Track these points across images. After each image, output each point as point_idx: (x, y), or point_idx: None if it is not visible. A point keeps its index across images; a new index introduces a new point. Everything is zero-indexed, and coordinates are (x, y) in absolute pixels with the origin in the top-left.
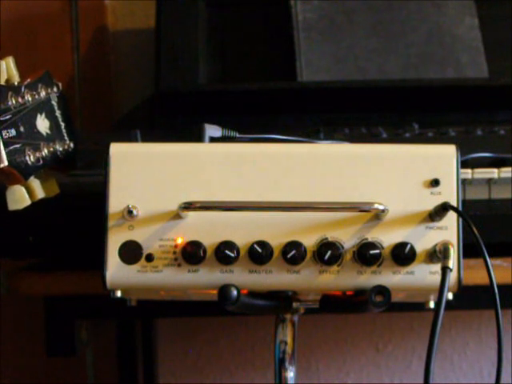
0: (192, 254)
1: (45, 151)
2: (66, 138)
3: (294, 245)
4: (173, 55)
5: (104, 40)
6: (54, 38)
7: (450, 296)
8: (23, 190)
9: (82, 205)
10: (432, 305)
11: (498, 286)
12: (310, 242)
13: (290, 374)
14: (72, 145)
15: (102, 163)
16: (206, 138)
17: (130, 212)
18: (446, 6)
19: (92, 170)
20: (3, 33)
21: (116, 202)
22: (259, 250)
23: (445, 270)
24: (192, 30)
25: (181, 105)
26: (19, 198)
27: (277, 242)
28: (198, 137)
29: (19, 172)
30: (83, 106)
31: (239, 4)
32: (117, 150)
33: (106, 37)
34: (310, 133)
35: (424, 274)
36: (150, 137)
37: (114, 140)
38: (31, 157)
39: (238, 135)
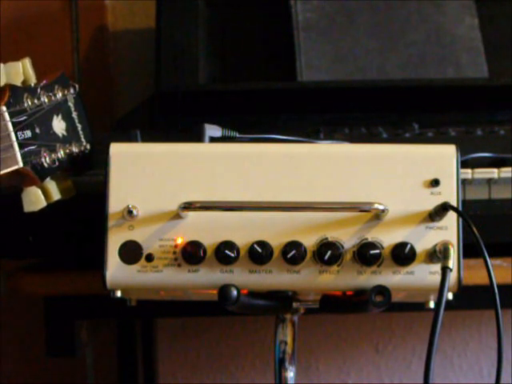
0: (192, 253)
1: (61, 153)
2: (83, 139)
3: (294, 245)
4: (173, 55)
5: (104, 40)
6: (54, 38)
7: (450, 296)
8: (39, 191)
9: (81, 205)
10: (432, 305)
11: (498, 286)
12: (309, 242)
13: (290, 374)
14: (88, 146)
15: (102, 163)
16: (206, 138)
17: (130, 212)
18: (445, 5)
19: (92, 170)
20: (3, 32)
21: (116, 202)
22: (259, 250)
23: (445, 270)
24: (192, 30)
25: (181, 105)
26: (35, 199)
27: (277, 242)
28: (198, 137)
29: (35, 173)
30: None
31: (239, 4)
32: (117, 150)
33: (106, 37)
34: (310, 133)
35: (424, 274)
36: (149, 137)
37: (114, 140)
38: (47, 158)
39: (238, 135)
